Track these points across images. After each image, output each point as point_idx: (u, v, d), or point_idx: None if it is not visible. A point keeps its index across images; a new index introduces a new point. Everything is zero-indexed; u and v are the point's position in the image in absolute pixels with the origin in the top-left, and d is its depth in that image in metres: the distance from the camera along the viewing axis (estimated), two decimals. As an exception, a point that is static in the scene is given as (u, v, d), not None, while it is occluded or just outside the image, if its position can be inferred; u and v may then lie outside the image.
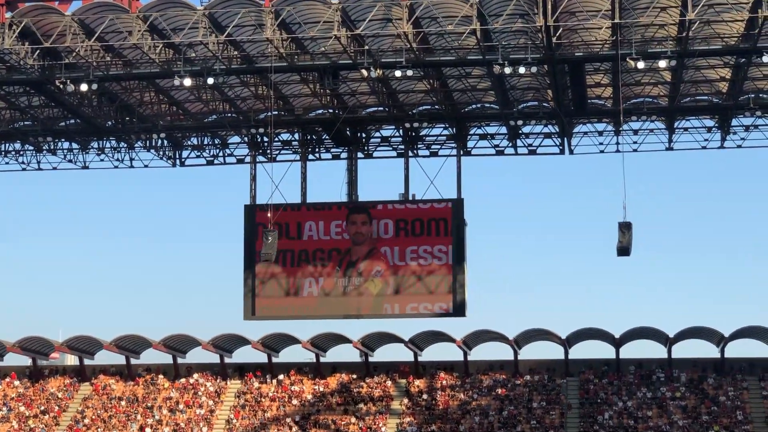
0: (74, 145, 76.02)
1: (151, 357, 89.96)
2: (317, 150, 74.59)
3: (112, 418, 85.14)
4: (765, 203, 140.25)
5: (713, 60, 63.20)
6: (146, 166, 76.45)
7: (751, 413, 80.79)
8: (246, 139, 74.46)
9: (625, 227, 59.46)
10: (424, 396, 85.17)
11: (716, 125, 70.90)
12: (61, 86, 61.82)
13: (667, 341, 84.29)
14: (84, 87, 61.78)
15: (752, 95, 67.41)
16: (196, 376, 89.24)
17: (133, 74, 64.80)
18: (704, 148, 71.77)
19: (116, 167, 76.25)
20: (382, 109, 71.21)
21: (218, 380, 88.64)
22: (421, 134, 73.12)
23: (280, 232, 67.01)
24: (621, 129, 70.98)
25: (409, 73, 60.59)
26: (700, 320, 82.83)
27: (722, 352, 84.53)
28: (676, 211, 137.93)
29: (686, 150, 72.53)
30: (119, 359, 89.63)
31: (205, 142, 75.90)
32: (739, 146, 71.10)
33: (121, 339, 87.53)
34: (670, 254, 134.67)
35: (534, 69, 59.44)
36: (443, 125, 72.89)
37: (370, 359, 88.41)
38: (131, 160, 75.98)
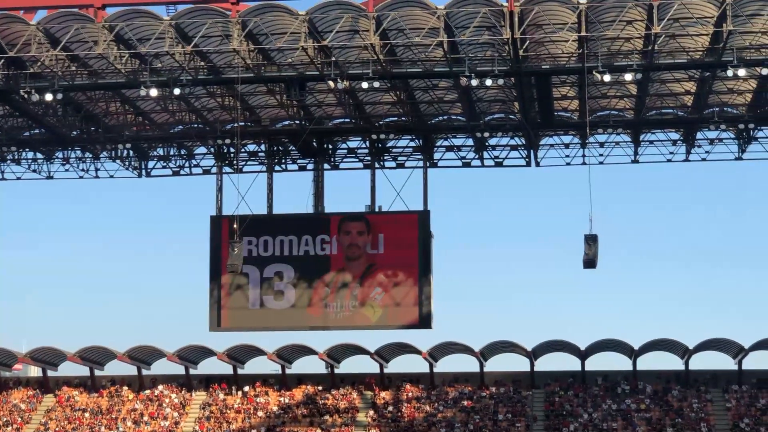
0: (39, 155, 75.54)
1: (115, 368, 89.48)
2: (284, 161, 74.45)
3: (75, 430, 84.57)
4: (729, 216, 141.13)
5: (678, 74, 63.56)
6: (112, 177, 76.12)
7: (715, 425, 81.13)
8: (212, 149, 74.27)
9: (591, 239, 59.57)
10: (390, 408, 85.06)
11: (681, 138, 71.29)
12: (26, 96, 61.34)
13: (632, 353, 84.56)
14: (49, 97, 61.35)
15: (717, 109, 67.79)
16: (161, 387, 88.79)
17: (98, 84, 64.42)
18: (669, 161, 72.14)
19: (81, 177, 75.87)
20: (348, 120, 71.19)
21: (183, 392, 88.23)
22: (387, 146, 73.14)
23: (246, 244, 66.81)
24: (587, 141, 71.23)
25: (376, 84, 60.64)
26: (664, 332, 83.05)
27: (686, 364, 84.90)
28: (641, 224, 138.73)
29: (652, 163, 72.88)
30: (83, 371, 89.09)
31: (171, 153, 75.63)
32: (704, 159, 71.52)
33: (85, 350, 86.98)
34: (636, 266, 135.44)
35: (501, 81, 59.58)
36: (410, 137, 72.93)
37: (336, 371, 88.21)
38: (96, 170, 75.61)
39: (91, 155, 74.82)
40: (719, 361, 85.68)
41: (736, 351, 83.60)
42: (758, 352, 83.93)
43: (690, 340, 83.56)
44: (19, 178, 76.69)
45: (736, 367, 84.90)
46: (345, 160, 74.34)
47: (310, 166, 74.27)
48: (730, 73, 57.62)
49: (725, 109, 68.14)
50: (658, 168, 72.59)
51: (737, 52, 57.31)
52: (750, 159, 71.14)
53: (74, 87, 63.91)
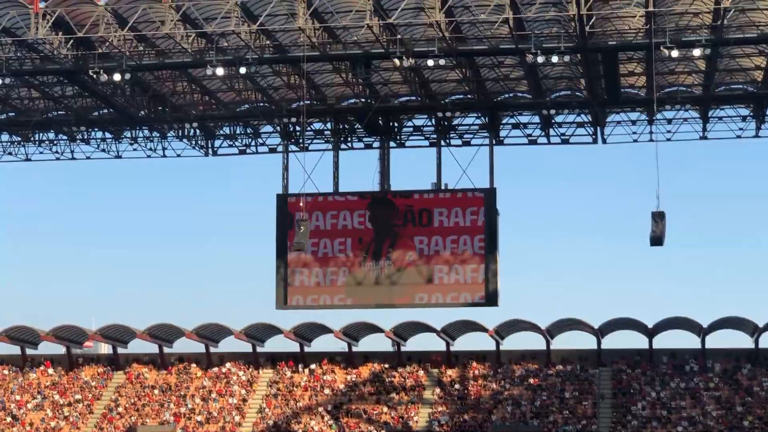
0: (107, 135, 76.25)
1: (183, 346, 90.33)
2: (349, 139, 74.46)
3: (145, 407, 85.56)
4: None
5: (748, 48, 62.72)
6: (179, 156, 76.59)
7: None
8: (278, 128, 74.47)
9: (659, 217, 59.11)
10: (456, 386, 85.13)
11: (751, 114, 70.42)
12: (95, 76, 61.87)
13: (701, 331, 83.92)
14: (117, 77, 61.86)
15: (787, 83, 66.91)
16: (228, 365, 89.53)
17: (165, 64, 64.82)
18: (739, 137, 71.30)
19: (149, 157, 76.42)
20: (414, 98, 71.05)
21: (250, 369, 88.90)
22: (453, 123, 72.91)
23: (312, 222, 66.97)
24: (654, 118, 70.60)
25: (442, 62, 60.44)
26: (733, 310, 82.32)
27: (756, 342, 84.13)
28: (709, 201, 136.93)
29: (720, 139, 72.08)
30: (152, 348, 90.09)
31: (238, 132, 75.95)
32: (775, 135, 70.61)
33: (154, 328, 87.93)
34: (704, 244, 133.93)
35: (567, 58, 59.11)
36: (476, 114, 72.68)
37: (402, 349, 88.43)
38: (164, 149, 76.12)
39: (158, 134, 75.37)
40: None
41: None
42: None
43: (760, 318, 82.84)
44: (88, 158, 77.43)
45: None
46: (411, 138, 74.23)
47: (375, 144, 74.23)
48: (800, 47, 56.88)
49: (795, 84, 67.22)
50: (727, 144, 71.50)
51: (808, 26, 56.53)
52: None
53: (142, 67, 64.34)
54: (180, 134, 74.88)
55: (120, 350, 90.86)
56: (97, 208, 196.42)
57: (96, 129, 75.89)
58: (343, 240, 71.71)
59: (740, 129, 70.91)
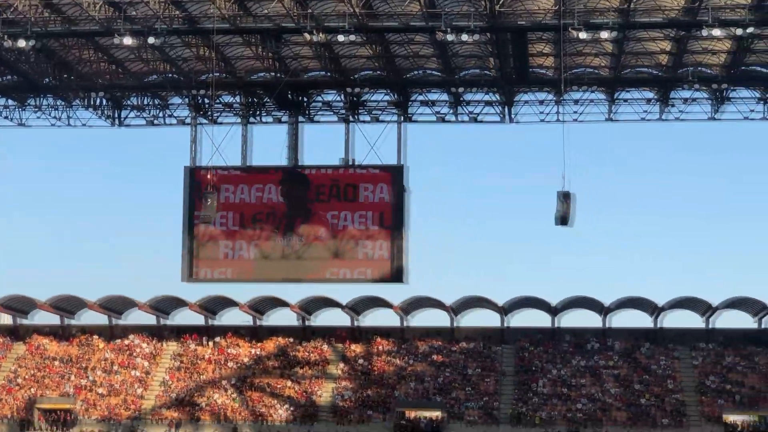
0: (11, 102, 74.92)
1: (87, 318, 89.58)
2: (259, 113, 74.07)
3: (45, 378, 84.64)
4: (701, 176, 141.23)
5: (654, 32, 63.52)
6: (85, 125, 75.53)
7: (682, 382, 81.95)
8: (187, 100, 73.79)
9: (565, 196, 59.73)
10: (361, 361, 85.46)
11: (656, 97, 71.34)
12: (-1, 42, 60.81)
13: (603, 311, 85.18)
14: (22, 43, 60.70)
15: (692, 68, 67.83)
16: (132, 337, 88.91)
17: (72, 31, 63.79)
18: (644, 119, 72.17)
19: (54, 125, 75.24)
20: (324, 73, 70.90)
21: (154, 342, 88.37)
22: (363, 100, 72.86)
23: (221, 195, 66.59)
24: (562, 99, 71.22)
25: (353, 38, 60.34)
26: (635, 291, 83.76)
27: (656, 321, 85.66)
28: (615, 181, 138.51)
29: (626, 121, 72.90)
30: (54, 319, 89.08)
31: (146, 103, 75.09)
32: (678, 119, 71.58)
33: (57, 299, 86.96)
34: (609, 224, 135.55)
35: (477, 37, 59.40)
36: (385, 91, 72.70)
37: (308, 323, 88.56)
38: (69, 118, 74.97)
39: (64, 103, 74.24)
40: (688, 320, 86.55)
41: (705, 309, 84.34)
42: (726, 311, 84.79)
43: (660, 298, 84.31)
44: (-9, 125, 75.99)
45: (704, 326, 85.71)
46: (320, 113, 74.05)
47: (285, 119, 73.92)
48: (705, 32, 57.63)
49: (700, 69, 68.19)
50: (632, 126, 72.43)
51: (713, 12, 57.28)
52: (723, 120, 71.35)
53: (48, 34, 63.24)
54: (86, 103, 73.84)
55: (21, 321, 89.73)
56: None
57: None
58: (253, 214, 71.33)
59: (645, 112, 71.79)
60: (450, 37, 58.74)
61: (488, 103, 72.25)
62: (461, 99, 71.81)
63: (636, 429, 77.81)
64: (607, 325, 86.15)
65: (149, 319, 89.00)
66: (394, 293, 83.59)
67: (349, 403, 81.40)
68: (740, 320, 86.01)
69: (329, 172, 71.60)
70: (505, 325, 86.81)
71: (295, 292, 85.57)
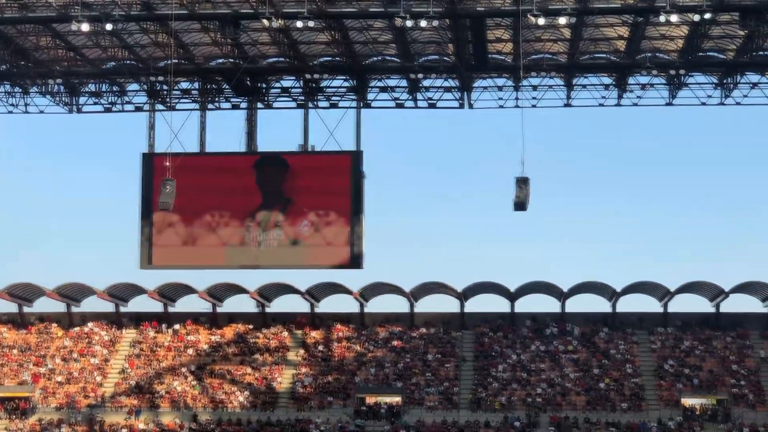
0: (-34, 89, 74.30)
1: (44, 306, 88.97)
2: (217, 99, 73.88)
3: (3, 366, 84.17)
4: (658, 162, 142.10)
5: (612, 18, 63.78)
6: (42, 112, 75.05)
7: (641, 366, 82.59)
8: (145, 87, 73.48)
9: (523, 182, 60.06)
10: (320, 347, 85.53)
11: (613, 83, 71.70)
12: (-46, 28, 60.28)
13: (561, 295, 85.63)
14: (-22, 29, 60.34)
15: (649, 54, 68.21)
16: (90, 324, 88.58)
17: (28, 18, 63.35)
18: (601, 105, 72.49)
19: (10, 112, 74.68)
20: (282, 59, 70.77)
21: (113, 329, 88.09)
22: (321, 86, 72.78)
23: (179, 181, 66.31)
24: (520, 85, 71.42)
25: (311, 24, 60.23)
26: (593, 275, 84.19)
27: (614, 306, 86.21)
28: (572, 167, 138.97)
29: (584, 107, 73.24)
30: (11, 307, 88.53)
31: (103, 89, 74.68)
32: (635, 104, 71.95)
33: (13, 287, 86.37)
34: (566, 209, 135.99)
35: (435, 23, 59.49)
36: (344, 77, 72.62)
37: (267, 310, 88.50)
38: (26, 105, 74.45)
39: (20, 90, 73.70)
40: (646, 304, 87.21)
41: (662, 294, 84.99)
42: (683, 295, 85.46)
43: (617, 282, 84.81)
44: (-54, 112, 75.28)
45: (661, 310, 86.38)
46: (278, 99, 73.93)
47: (243, 105, 73.78)
48: (662, 18, 58.01)
49: (657, 54, 68.58)
50: (590, 112, 72.69)
51: (670, -3, 57.74)
52: (680, 105, 71.91)
53: (3, 20, 62.80)
54: (43, 90, 73.37)
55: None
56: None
57: (-45, 82, 73.89)
58: (211, 200, 71.10)
59: (603, 97, 72.14)
60: (408, 23, 58.81)
61: (447, 89, 72.35)
62: (419, 85, 71.90)
63: (595, 413, 78.34)
64: (566, 310, 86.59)
65: (107, 306, 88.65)
66: (353, 279, 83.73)
67: (309, 390, 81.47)
68: (697, 304, 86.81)
69: (289, 158, 71.46)
70: (464, 310, 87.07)
71: (253, 279, 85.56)
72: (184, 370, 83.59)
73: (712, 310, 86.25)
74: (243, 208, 70.63)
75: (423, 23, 58.87)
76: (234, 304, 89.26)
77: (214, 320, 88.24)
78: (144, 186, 71.21)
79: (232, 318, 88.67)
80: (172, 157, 67.53)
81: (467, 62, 68.26)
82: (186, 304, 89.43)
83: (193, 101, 73.94)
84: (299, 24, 59.87)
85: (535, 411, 78.70)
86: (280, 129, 77.19)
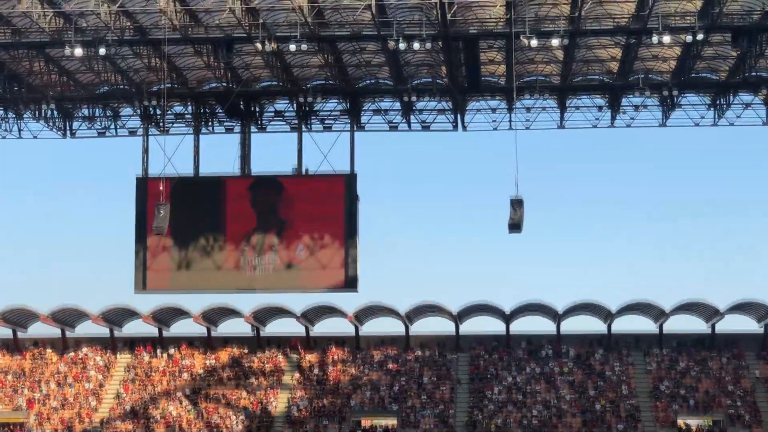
0: (-40, 114, 74.26)
1: (38, 330, 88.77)
2: (210, 123, 73.92)
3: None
4: (652, 182, 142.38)
5: (604, 39, 63.98)
6: (35, 137, 75.06)
7: (636, 388, 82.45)
8: (138, 111, 73.47)
9: (517, 204, 60.07)
10: (316, 370, 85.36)
11: (606, 104, 71.83)
12: (-53, 54, 60.30)
13: (556, 316, 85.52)
14: (-29, 55, 60.38)
15: (642, 75, 68.36)
16: (85, 349, 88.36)
17: (22, 43, 63.44)
18: (595, 126, 72.64)
19: (4, 138, 74.71)
20: (276, 82, 70.84)
21: (108, 354, 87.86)
22: (314, 109, 72.82)
23: (173, 205, 66.26)
24: (514, 106, 71.53)
25: (304, 47, 60.39)
26: (588, 296, 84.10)
27: (609, 327, 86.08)
28: (567, 188, 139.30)
29: (577, 128, 73.33)
30: (5, 332, 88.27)
31: (97, 114, 74.72)
32: (629, 125, 72.11)
33: (7, 312, 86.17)
34: (560, 230, 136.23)
35: (428, 45, 59.67)
36: (337, 100, 72.74)
37: (262, 333, 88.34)
38: (20, 130, 74.50)
39: (14, 115, 73.75)
40: (641, 324, 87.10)
41: (657, 314, 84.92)
42: (678, 315, 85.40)
43: (613, 303, 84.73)
44: (-60, 137, 75.25)
45: (657, 330, 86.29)
46: (272, 122, 74.01)
47: (237, 129, 73.81)
48: (654, 39, 58.22)
49: (650, 75, 68.76)
50: (583, 133, 72.82)
51: (662, 18, 57.86)
52: (673, 126, 72.03)
53: (-3, 45, 62.93)
54: (37, 115, 73.37)
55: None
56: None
57: (-51, 108, 73.87)
58: (203, 224, 71.01)
59: (596, 119, 72.27)
60: (401, 46, 59.01)
61: (440, 111, 72.46)
62: (413, 107, 71.99)
63: (590, 434, 78.21)
64: (560, 331, 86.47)
65: (102, 331, 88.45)
66: (347, 301, 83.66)
67: (305, 413, 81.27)
68: (692, 324, 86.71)
69: (283, 181, 71.48)
70: (459, 332, 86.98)
71: (247, 302, 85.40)
72: (179, 394, 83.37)
73: (708, 330, 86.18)
74: (238, 231, 70.57)
75: (416, 46, 59.03)
76: (228, 327, 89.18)
77: (208, 343, 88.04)
78: (138, 210, 71.18)
79: (227, 341, 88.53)
80: (166, 180, 67.53)
81: (460, 84, 68.38)
82: (180, 328, 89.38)
83: (187, 125, 73.97)
84: (292, 47, 60.01)
85: (531, 433, 78.59)
86: (275, 151, 77.20)
